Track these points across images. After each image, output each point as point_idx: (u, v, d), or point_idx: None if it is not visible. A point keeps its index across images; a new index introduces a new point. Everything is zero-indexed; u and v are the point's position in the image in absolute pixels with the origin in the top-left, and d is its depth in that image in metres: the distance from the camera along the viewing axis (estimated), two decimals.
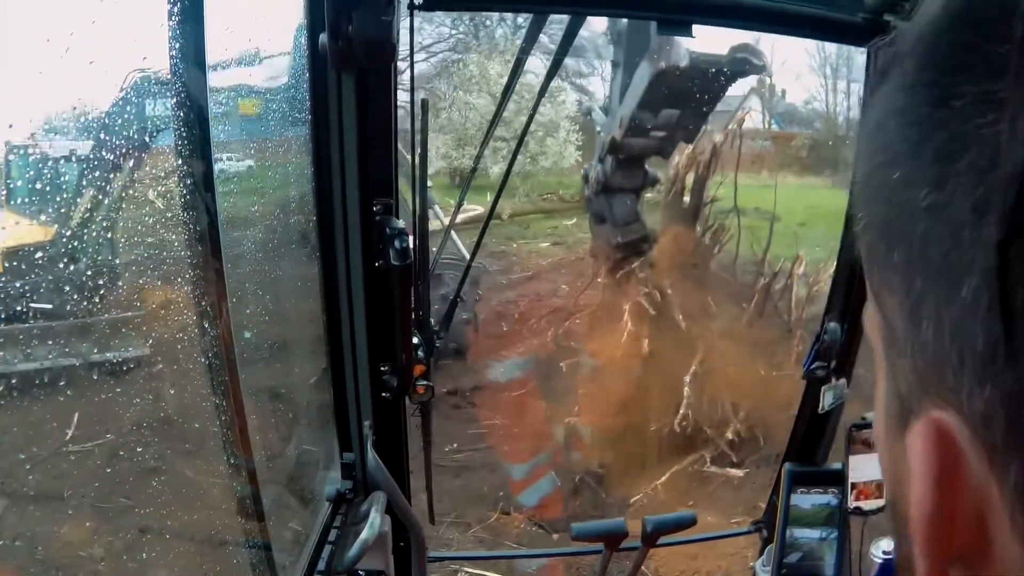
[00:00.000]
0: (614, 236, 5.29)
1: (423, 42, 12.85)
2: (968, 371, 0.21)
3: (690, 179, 6.51)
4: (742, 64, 3.89)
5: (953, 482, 0.23)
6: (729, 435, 5.13)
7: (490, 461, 5.41)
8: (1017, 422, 0.20)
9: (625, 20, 4.48)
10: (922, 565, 0.25)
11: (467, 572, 3.68)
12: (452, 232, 2.69)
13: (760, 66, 3.74)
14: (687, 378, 5.40)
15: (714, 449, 5.18)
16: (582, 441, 5.56)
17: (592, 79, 12.44)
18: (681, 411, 5.28)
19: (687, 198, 6.55)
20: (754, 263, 6.79)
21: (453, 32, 12.66)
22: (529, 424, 5.81)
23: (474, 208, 11.06)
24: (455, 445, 5.52)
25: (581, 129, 11.87)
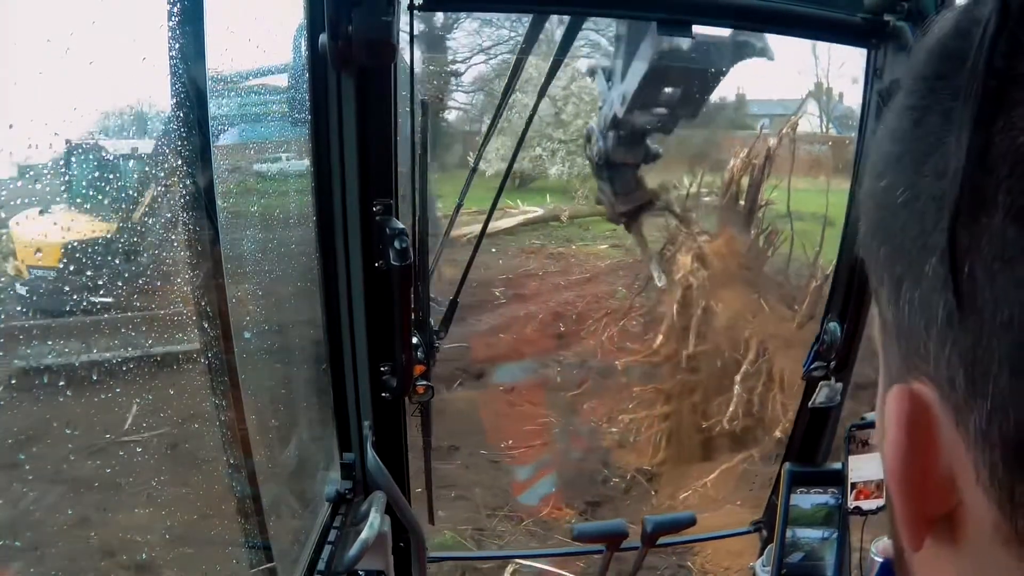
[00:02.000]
0: (617, 204, 5.24)
1: (482, 44, 12.96)
2: (933, 339, 0.25)
3: (745, 182, 6.64)
4: (743, 46, 3.88)
5: (925, 445, 0.26)
6: (778, 433, 5.14)
7: (543, 458, 5.50)
8: (973, 375, 0.24)
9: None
10: (904, 533, 0.28)
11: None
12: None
13: (760, 48, 3.73)
14: (738, 377, 5.47)
15: (764, 448, 5.21)
16: (632, 439, 5.63)
17: None
18: (731, 409, 5.31)
19: (742, 202, 6.62)
20: (807, 266, 6.83)
21: (512, 34, 12.71)
22: (582, 422, 5.93)
23: (533, 210, 11.11)
24: (510, 442, 5.63)
25: None
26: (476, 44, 12.90)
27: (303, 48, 1.12)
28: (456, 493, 5.01)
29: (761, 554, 1.79)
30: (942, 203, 0.25)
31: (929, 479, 0.26)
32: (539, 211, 11.25)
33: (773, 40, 1.35)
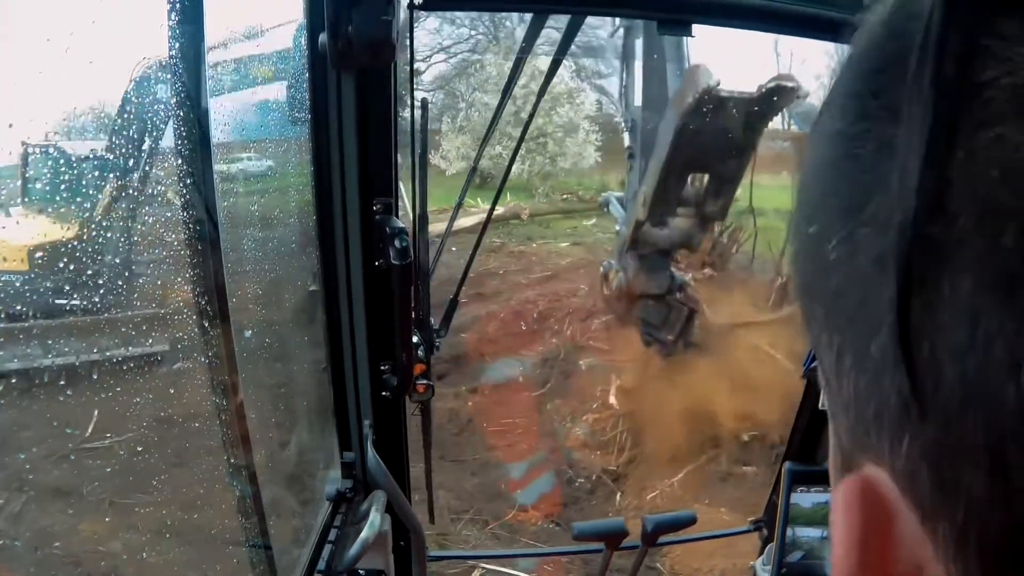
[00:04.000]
0: (665, 335, 4.83)
1: (442, 43, 12.92)
2: (887, 428, 0.21)
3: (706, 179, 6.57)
4: (773, 93, 3.53)
5: (883, 539, 0.22)
6: (745, 437, 5.08)
7: (508, 459, 5.48)
8: (939, 478, 0.19)
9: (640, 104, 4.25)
10: None
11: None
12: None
13: (794, 89, 3.41)
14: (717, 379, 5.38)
15: (728, 448, 5.16)
16: (598, 439, 5.59)
17: (612, 79, 12.66)
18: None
19: None
20: (773, 263, 6.80)
21: (473, 32, 12.69)
22: (547, 422, 5.88)
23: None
24: (474, 443, 5.59)
25: (601, 130, 11.89)
26: (436, 43, 12.91)
27: (303, 48, 1.12)
28: (419, 496, 4.91)
29: (761, 553, 1.79)
30: (887, 264, 0.19)
31: (891, 574, 0.22)
32: (500, 209, 11.21)
33: (734, 34, 1.32)
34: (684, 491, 4.91)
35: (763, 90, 3.45)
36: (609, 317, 6.24)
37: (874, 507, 0.22)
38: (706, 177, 3.66)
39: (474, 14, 11.47)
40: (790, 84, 3.42)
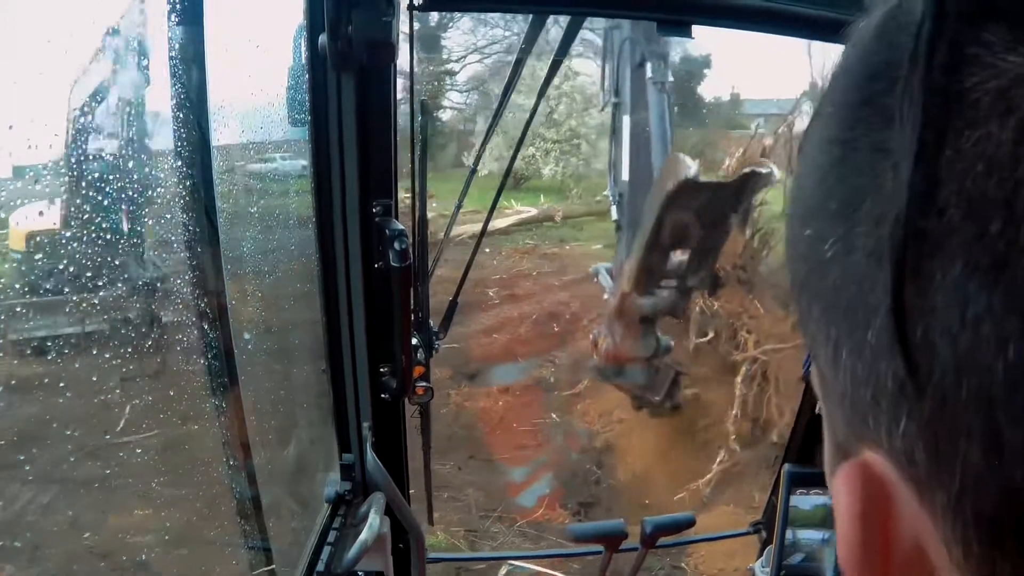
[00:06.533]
0: (651, 396, 5.01)
1: (477, 43, 12.97)
2: (885, 410, 0.22)
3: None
4: (748, 179, 3.76)
5: (883, 521, 0.23)
6: (774, 438, 5.08)
7: (538, 459, 5.55)
8: (935, 451, 0.21)
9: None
10: None
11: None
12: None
13: (768, 175, 3.64)
14: (738, 379, 5.44)
15: (759, 449, 5.18)
16: (627, 440, 5.64)
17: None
18: (733, 410, 5.30)
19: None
20: None
21: (507, 33, 12.70)
22: (577, 423, 5.97)
23: (527, 210, 11.08)
24: (504, 443, 5.66)
25: None
26: (471, 44, 12.96)
27: (303, 48, 1.11)
28: (449, 494, 5.02)
29: (760, 555, 1.79)
30: (881, 256, 0.21)
31: (894, 561, 0.23)
32: (533, 211, 11.26)
33: (766, 38, 1.33)
34: (712, 490, 4.95)
35: (739, 176, 3.73)
36: None
37: (873, 486, 0.23)
38: (688, 252, 3.89)
39: (508, 16, 11.48)
40: (764, 171, 3.70)
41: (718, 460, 5.13)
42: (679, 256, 3.83)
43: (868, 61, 0.24)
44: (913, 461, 0.22)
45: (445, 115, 13.12)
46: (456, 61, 12.88)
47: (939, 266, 0.20)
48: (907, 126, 0.20)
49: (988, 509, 0.20)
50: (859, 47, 0.25)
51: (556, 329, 7.30)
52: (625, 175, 4.46)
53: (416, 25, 1.19)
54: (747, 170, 3.62)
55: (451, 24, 12.58)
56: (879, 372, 0.22)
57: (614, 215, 4.72)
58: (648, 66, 4.25)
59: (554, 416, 6.10)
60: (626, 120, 4.47)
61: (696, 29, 1.28)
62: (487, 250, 9.17)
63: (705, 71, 12.14)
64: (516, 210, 10.88)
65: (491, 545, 4.62)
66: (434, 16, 12.06)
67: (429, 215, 1.41)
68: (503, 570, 3.80)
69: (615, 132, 4.70)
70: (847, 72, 0.25)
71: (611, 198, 4.99)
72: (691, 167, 3.30)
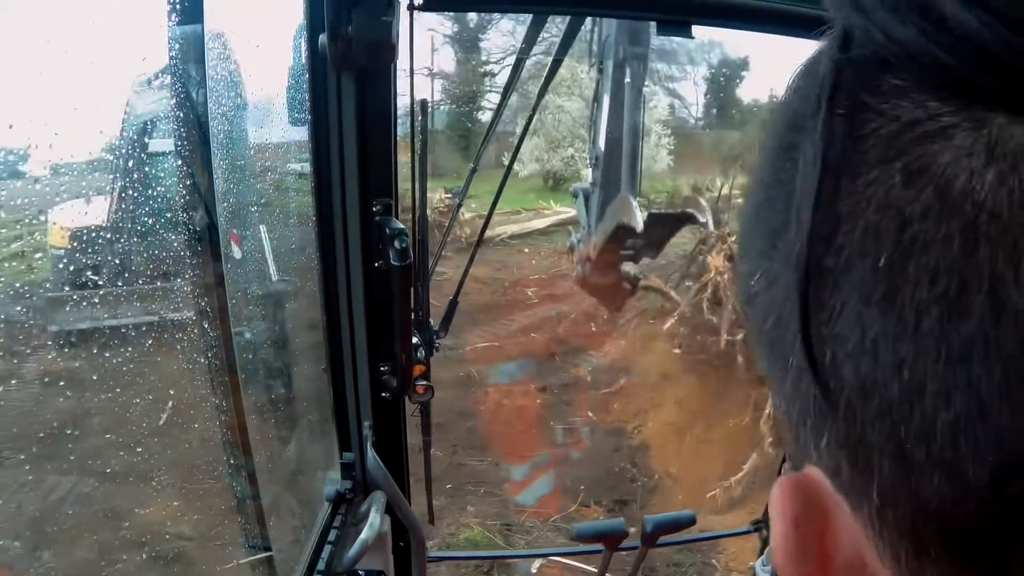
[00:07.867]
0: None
1: (516, 44, 12.98)
2: (810, 428, 0.24)
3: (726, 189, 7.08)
4: (687, 218, 4.28)
5: (820, 532, 0.25)
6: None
7: (574, 456, 5.65)
8: (856, 465, 0.22)
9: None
10: None
11: None
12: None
13: (703, 223, 4.02)
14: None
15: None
16: (661, 439, 5.71)
17: (683, 83, 12.39)
18: (767, 411, 5.34)
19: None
20: None
21: (546, 35, 12.68)
22: (612, 421, 6.06)
23: (566, 211, 11.09)
24: (541, 440, 5.78)
25: (674, 134, 11.72)
26: (510, 45, 12.88)
27: (303, 48, 1.12)
28: (486, 490, 5.12)
29: (761, 553, 1.79)
30: (792, 291, 0.23)
31: (834, 568, 0.25)
32: (572, 212, 11.19)
33: (803, 40, 1.32)
34: (743, 489, 4.96)
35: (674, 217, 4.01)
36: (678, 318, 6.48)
37: (809, 496, 0.25)
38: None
39: (547, 17, 11.42)
40: (701, 219, 4.06)
41: (751, 459, 5.15)
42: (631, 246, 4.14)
43: (787, 109, 0.26)
44: (839, 474, 0.23)
45: (485, 116, 13.04)
46: (496, 62, 12.81)
47: (839, 298, 0.22)
48: (808, 171, 0.22)
49: (907, 520, 0.21)
50: (787, 93, 0.26)
51: (593, 329, 7.38)
52: (602, 141, 4.63)
53: (455, 27, 1.20)
54: (679, 212, 3.94)
55: (490, 25, 12.51)
56: (801, 394, 0.24)
57: (590, 178, 4.96)
58: (627, 70, 4.38)
59: (590, 414, 6.19)
60: (605, 99, 4.59)
61: (730, 33, 1.28)
62: (526, 250, 9.35)
63: (743, 73, 12.04)
64: (555, 211, 10.87)
65: (526, 540, 4.72)
66: (472, 18, 12.03)
67: (466, 216, 1.42)
68: (536, 564, 3.88)
69: (596, 100, 4.87)
70: (775, 117, 0.27)
71: (588, 160, 5.26)
72: (636, 215, 3.56)
